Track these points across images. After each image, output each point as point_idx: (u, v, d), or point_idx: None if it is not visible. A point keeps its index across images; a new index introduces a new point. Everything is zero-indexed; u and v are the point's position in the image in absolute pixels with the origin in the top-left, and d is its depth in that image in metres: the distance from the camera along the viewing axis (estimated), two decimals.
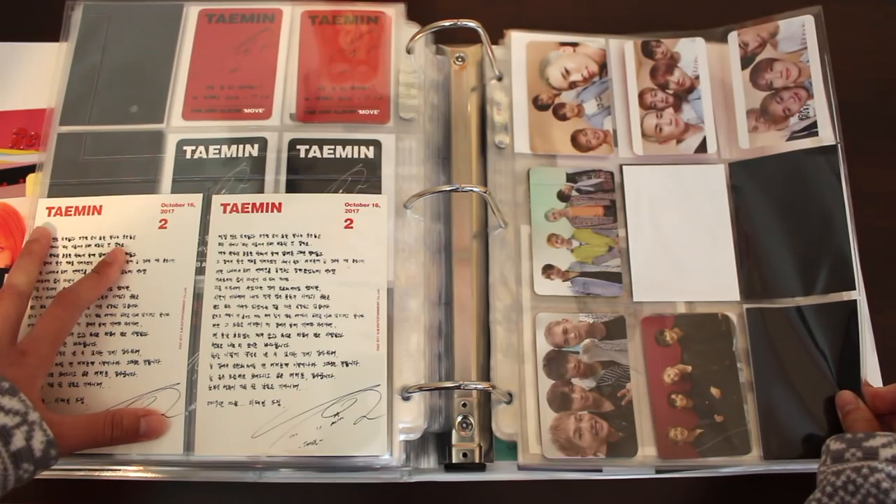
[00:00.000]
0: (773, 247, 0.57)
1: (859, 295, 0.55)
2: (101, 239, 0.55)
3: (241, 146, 0.58)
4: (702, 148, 0.61)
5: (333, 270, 0.54)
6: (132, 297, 0.54)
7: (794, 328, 0.55)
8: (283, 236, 0.55)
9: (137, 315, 0.53)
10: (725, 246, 0.58)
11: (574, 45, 0.63)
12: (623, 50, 0.63)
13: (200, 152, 0.58)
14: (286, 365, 0.52)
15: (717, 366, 0.55)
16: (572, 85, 0.62)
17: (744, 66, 0.62)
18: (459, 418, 0.55)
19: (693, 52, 0.63)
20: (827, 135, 0.59)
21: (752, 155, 0.60)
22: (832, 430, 0.52)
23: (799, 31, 0.61)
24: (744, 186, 0.59)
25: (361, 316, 0.54)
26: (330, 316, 0.53)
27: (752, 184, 0.59)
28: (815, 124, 0.59)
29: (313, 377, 0.52)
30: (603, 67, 0.63)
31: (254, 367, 0.52)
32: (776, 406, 0.54)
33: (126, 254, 0.55)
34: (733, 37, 0.63)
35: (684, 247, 0.58)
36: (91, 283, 0.53)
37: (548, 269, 0.57)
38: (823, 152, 0.58)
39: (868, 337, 0.56)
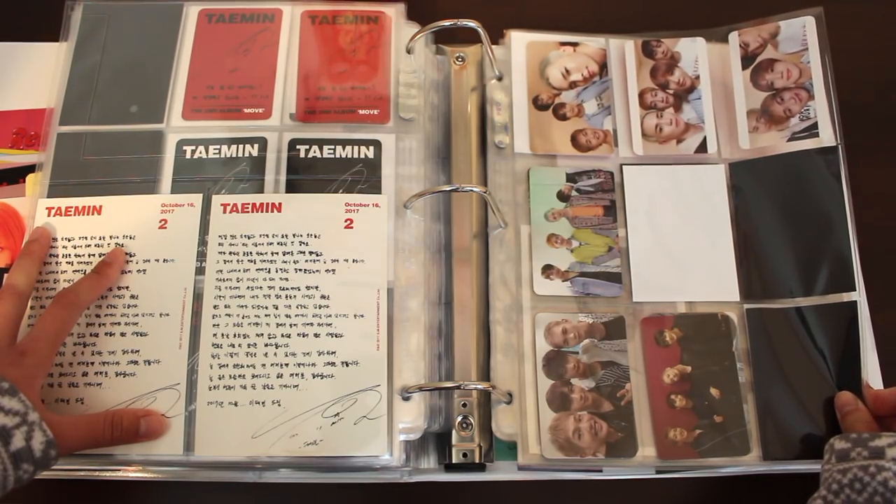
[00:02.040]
0: (773, 247, 0.57)
1: (859, 296, 0.55)
2: (101, 239, 0.55)
3: (240, 146, 0.58)
4: (702, 148, 0.61)
5: (333, 270, 0.54)
6: (132, 297, 0.54)
7: (794, 329, 0.55)
8: (283, 236, 0.55)
9: (137, 315, 0.53)
10: (725, 246, 0.58)
11: (574, 44, 0.63)
12: (623, 50, 0.63)
13: (200, 152, 0.58)
14: (286, 365, 0.52)
15: (716, 366, 0.55)
16: (572, 85, 0.62)
17: (744, 67, 0.62)
18: (459, 418, 0.55)
19: (693, 52, 0.63)
20: (827, 136, 0.59)
21: (752, 155, 0.60)
22: (831, 430, 0.52)
23: (800, 32, 0.61)
24: (744, 187, 0.59)
25: (361, 316, 0.54)
26: (330, 316, 0.53)
27: (753, 184, 0.59)
28: (815, 125, 0.59)
29: (313, 377, 0.52)
30: (603, 67, 0.63)
31: (254, 368, 0.52)
32: (776, 406, 0.54)
33: (126, 254, 0.55)
34: (734, 37, 0.63)
35: (684, 247, 0.58)
36: (91, 283, 0.53)
37: (547, 269, 0.57)
38: (824, 153, 0.58)
39: (868, 338, 0.56)
